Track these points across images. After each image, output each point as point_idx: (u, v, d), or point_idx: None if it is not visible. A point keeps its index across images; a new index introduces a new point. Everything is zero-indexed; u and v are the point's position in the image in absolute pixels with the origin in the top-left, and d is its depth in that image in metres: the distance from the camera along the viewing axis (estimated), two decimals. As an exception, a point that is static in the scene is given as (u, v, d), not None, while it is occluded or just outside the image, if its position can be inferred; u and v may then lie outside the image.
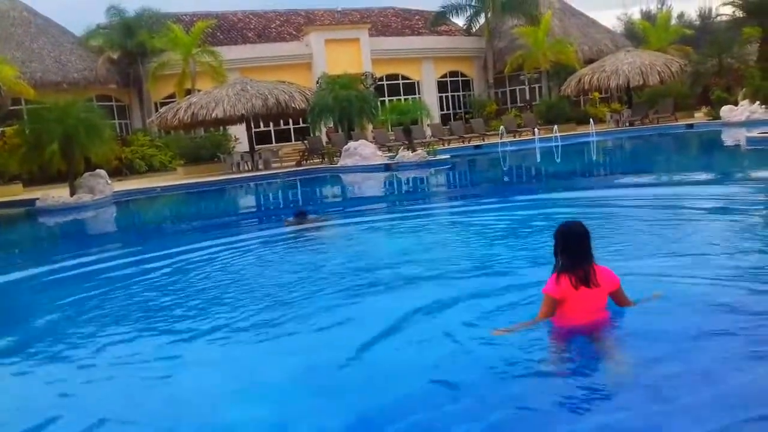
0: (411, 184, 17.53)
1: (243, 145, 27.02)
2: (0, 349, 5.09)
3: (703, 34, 37.97)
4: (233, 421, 3.42)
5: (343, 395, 3.62)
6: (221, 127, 27.85)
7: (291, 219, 9.65)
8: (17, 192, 21.85)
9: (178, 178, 24.32)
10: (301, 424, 3.33)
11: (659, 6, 47.12)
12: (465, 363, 3.85)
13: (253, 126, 26.32)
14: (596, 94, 33.19)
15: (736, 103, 24.57)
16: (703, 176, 12.98)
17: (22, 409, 3.89)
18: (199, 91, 26.27)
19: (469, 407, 3.30)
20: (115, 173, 22.96)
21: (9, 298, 7.40)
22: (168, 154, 27.21)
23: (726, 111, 23.98)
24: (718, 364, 3.49)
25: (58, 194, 17.43)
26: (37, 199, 17.21)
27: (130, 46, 28.82)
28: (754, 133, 17.53)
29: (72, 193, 17.78)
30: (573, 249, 3.80)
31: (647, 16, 46.27)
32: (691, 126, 25.90)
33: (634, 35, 40.21)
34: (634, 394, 3.25)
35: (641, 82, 28.71)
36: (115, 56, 29.59)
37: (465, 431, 3.04)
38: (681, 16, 48.03)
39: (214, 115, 23.12)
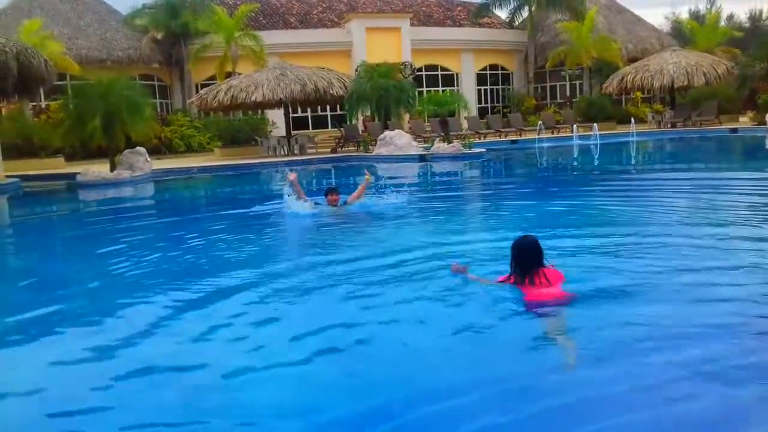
0: (444, 177, 17.45)
1: (280, 130, 27.22)
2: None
3: (752, 37, 37.03)
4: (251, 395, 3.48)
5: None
6: (259, 111, 28.16)
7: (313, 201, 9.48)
8: (59, 166, 22.36)
9: (215, 159, 24.62)
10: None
11: (708, 6, 46.07)
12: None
13: (290, 111, 26.49)
14: (638, 93, 32.63)
15: (783, 109, 23.95)
16: (740, 183, 12.57)
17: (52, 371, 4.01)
18: (239, 74, 26.51)
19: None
20: (154, 152, 23.32)
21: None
22: (206, 136, 27.56)
23: (772, 116, 23.40)
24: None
25: (98, 169, 17.79)
26: (78, 173, 17.57)
27: (174, 27, 29.19)
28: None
29: (112, 169, 18.14)
30: (524, 260, 4.49)
31: (696, 16, 45.22)
32: (735, 130, 25.31)
33: (681, 35, 39.35)
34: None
35: (686, 83, 28.14)
36: (159, 36, 30.02)
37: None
38: (730, 17, 46.95)
39: (253, 98, 23.34)
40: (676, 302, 4.56)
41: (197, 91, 28.01)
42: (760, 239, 6.44)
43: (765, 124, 23.35)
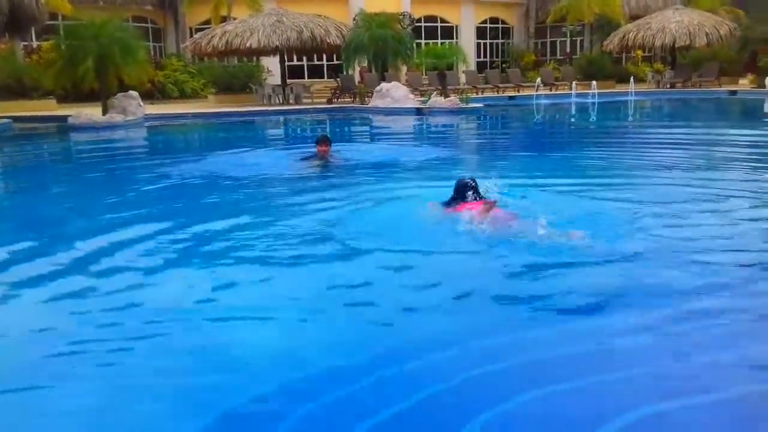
0: (439, 130, 17.36)
1: (275, 78, 26.85)
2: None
3: (757, -2, 36.40)
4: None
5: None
6: (255, 58, 27.71)
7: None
8: (51, 107, 22.07)
9: (209, 106, 24.35)
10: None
11: (715, -36, 45.13)
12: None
13: (286, 59, 26.08)
14: (639, 52, 32.27)
15: (784, 73, 23.74)
16: (725, 144, 12.56)
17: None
18: (234, 18, 26.00)
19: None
20: (147, 96, 23.00)
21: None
22: (200, 81, 27.18)
23: (771, 80, 23.22)
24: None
25: (90, 112, 17.57)
26: (70, 116, 17.36)
27: (169, -32, 28.49)
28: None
29: (104, 113, 17.92)
30: (458, 192, 5.73)
31: (701, -26, 44.37)
32: (734, 93, 25.12)
33: (685, -7, 38.70)
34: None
35: (687, 43, 27.80)
36: (153, -23, 29.31)
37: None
38: (737, -24, 46.02)
39: (248, 44, 22.93)
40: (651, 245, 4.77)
41: (191, 35, 27.50)
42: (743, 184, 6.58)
43: (765, 87, 23.20)
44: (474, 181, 5.81)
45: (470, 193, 5.62)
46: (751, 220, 5.73)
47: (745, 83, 28.60)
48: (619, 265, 4.45)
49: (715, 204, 6.27)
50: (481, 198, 5.67)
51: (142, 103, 18.88)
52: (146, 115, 18.83)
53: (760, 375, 3.07)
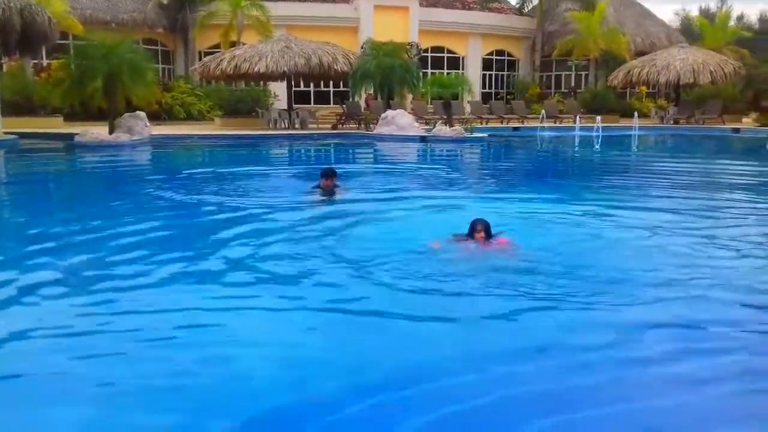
0: (444, 158, 17.42)
1: (281, 103, 27.05)
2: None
3: (761, 39, 36.74)
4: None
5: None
6: (262, 83, 27.93)
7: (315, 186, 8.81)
8: (58, 125, 22.22)
9: (215, 128, 24.48)
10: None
11: (719, 5, 45.75)
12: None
13: (293, 84, 26.31)
14: (644, 88, 32.47)
15: (787, 112, 23.85)
16: (731, 181, 12.61)
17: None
18: (243, 44, 26.28)
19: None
20: (154, 117, 23.15)
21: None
22: (207, 104, 27.37)
23: (775, 118, 23.33)
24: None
25: (97, 131, 17.68)
26: (77, 133, 17.47)
27: (181, -8, 28.91)
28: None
29: (111, 132, 18.03)
30: (471, 229, 5.77)
31: (706, 13, 44.95)
32: (737, 130, 25.23)
33: (690, 32, 39.10)
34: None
35: (692, 80, 27.99)
36: (165, 1, 29.71)
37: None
38: (741, 17, 46.59)
39: (256, 69, 23.14)
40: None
41: (200, 59, 27.79)
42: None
43: (768, 126, 23.31)
44: (486, 222, 5.84)
45: (481, 233, 5.71)
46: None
47: (748, 121, 28.74)
48: (637, 294, 4.47)
49: (720, 239, 6.27)
50: (491, 237, 5.78)
51: (148, 124, 19.01)
52: (152, 135, 18.94)
53: None
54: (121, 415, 2.90)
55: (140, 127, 18.44)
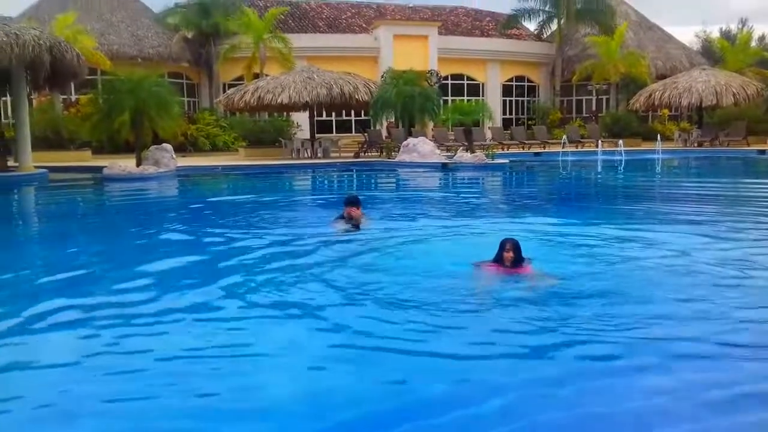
0: (465, 185, 17.45)
1: (304, 132, 27.37)
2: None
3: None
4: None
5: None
6: (285, 113, 28.35)
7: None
8: (86, 158, 22.70)
9: (239, 159, 24.82)
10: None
11: (740, 26, 45.64)
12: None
13: (315, 114, 26.64)
14: (666, 111, 32.35)
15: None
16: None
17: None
18: (266, 75, 26.72)
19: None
20: (180, 149, 23.57)
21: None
22: (231, 135, 27.80)
23: (801, 139, 23.04)
24: None
25: (124, 164, 18.01)
26: (105, 166, 17.81)
27: (205, 27, 29.58)
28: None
29: (138, 164, 18.35)
30: (501, 249, 5.70)
31: (727, 35, 44.77)
32: (763, 152, 24.96)
33: (711, 54, 38.98)
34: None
35: (714, 103, 27.83)
36: (189, 35, 30.42)
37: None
38: (762, 38, 46.33)
39: (279, 100, 23.51)
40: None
41: (224, 91, 28.30)
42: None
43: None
44: (516, 241, 5.75)
45: (510, 253, 5.61)
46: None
47: (774, 143, 28.41)
48: (667, 322, 4.45)
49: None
50: (521, 260, 5.68)
51: (174, 156, 19.31)
52: (179, 167, 19.24)
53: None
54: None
55: (167, 159, 18.75)
